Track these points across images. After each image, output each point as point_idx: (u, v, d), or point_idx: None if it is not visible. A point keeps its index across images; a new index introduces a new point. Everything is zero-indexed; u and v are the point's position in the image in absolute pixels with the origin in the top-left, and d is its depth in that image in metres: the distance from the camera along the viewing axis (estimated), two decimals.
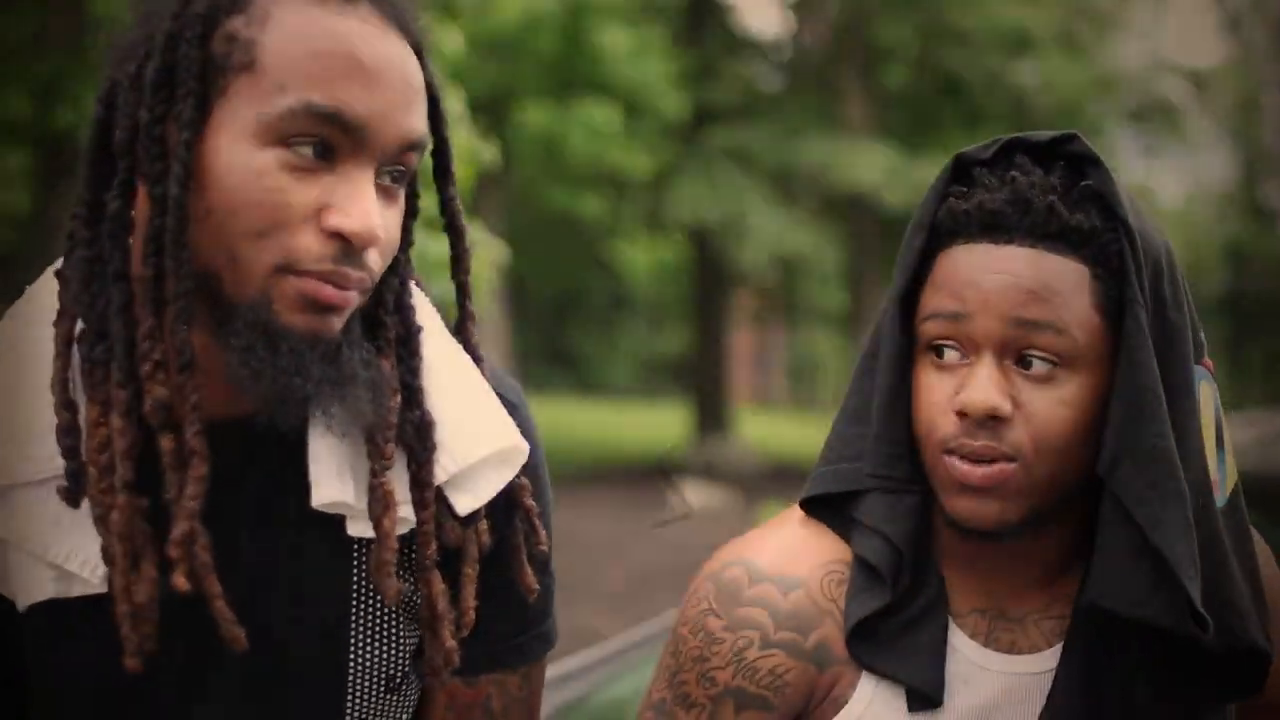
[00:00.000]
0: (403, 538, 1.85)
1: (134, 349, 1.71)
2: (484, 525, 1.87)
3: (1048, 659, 1.98)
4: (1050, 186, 1.88)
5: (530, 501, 1.91)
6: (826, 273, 22.49)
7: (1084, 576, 1.94)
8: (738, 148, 21.24)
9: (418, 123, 1.73)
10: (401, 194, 1.75)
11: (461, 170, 8.16)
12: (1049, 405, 1.85)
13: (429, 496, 1.81)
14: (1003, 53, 21.38)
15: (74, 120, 10.76)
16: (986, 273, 1.86)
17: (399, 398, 1.80)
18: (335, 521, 1.82)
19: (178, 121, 1.68)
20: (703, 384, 24.99)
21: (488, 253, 8.28)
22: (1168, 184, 32.20)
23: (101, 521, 1.71)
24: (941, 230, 1.92)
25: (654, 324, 38.78)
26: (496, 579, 1.91)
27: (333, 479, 1.78)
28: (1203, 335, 1.97)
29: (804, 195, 21.82)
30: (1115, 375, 1.87)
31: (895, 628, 1.95)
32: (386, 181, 1.72)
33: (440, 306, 1.96)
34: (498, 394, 1.92)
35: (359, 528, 1.81)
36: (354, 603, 1.87)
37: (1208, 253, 30.86)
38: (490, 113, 19.18)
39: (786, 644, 1.97)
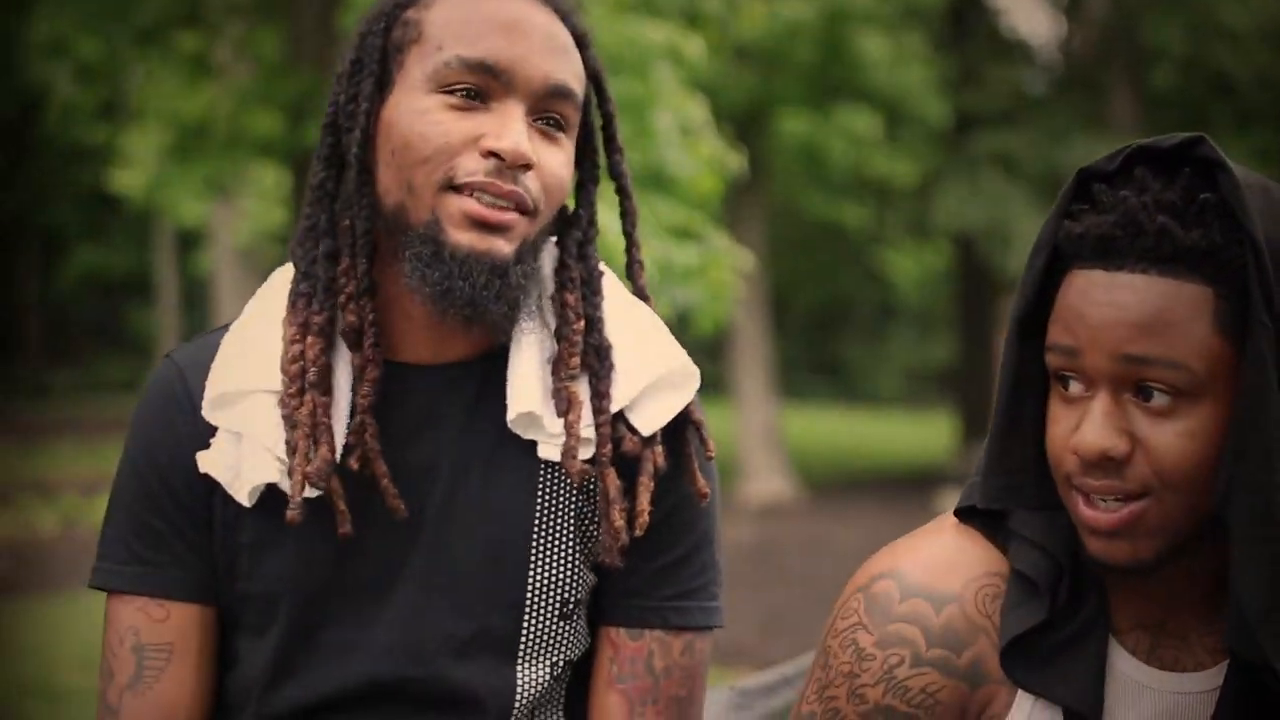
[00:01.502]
0: (587, 462, 2.10)
1: (334, 284, 2.09)
2: (660, 449, 2.12)
3: (1213, 677, 1.88)
4: (1166, 203, 1.75)
5: (700, 416, 2.16)
6: None
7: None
8: (1002, 152, 20.98)
9: (560, 71, 2.07)
10: (564, 140, 2.10)
11: (708, 180, 8.22)
12: (1171, 439, 1.75)
13: (607, 405, 2.10)
14: (1273, 49, 20.83)
15: None
16: (1095, 305, 1.76)
17: (582, 323, 2.13)
18: (527, 448, 2.11)
19: (362, 96, 2.08)
20: (969, 393, 24.74)
21: (734, 260, 8.27)
22: None
23: (288, 420, 2.06)
24: (1063, 252, 1.82)
25: (921, 332, 38.51)
26: (665, 535, 2.15)
27: (527, 395, 2.08)
28: None
29: None
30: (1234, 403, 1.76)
31: (1053, 645, 1.87)
32: (543, 125, 2.07)
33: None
34: None
35: (549, 450, 2.10)
36: (536, 524, 2.12)
37: None
38: (748, 122, 19.23)
39: (939, 662, 1.89)
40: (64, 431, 23.44)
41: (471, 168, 2.01)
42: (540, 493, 2.12)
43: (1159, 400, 1.75)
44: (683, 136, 8.01)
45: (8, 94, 25.55)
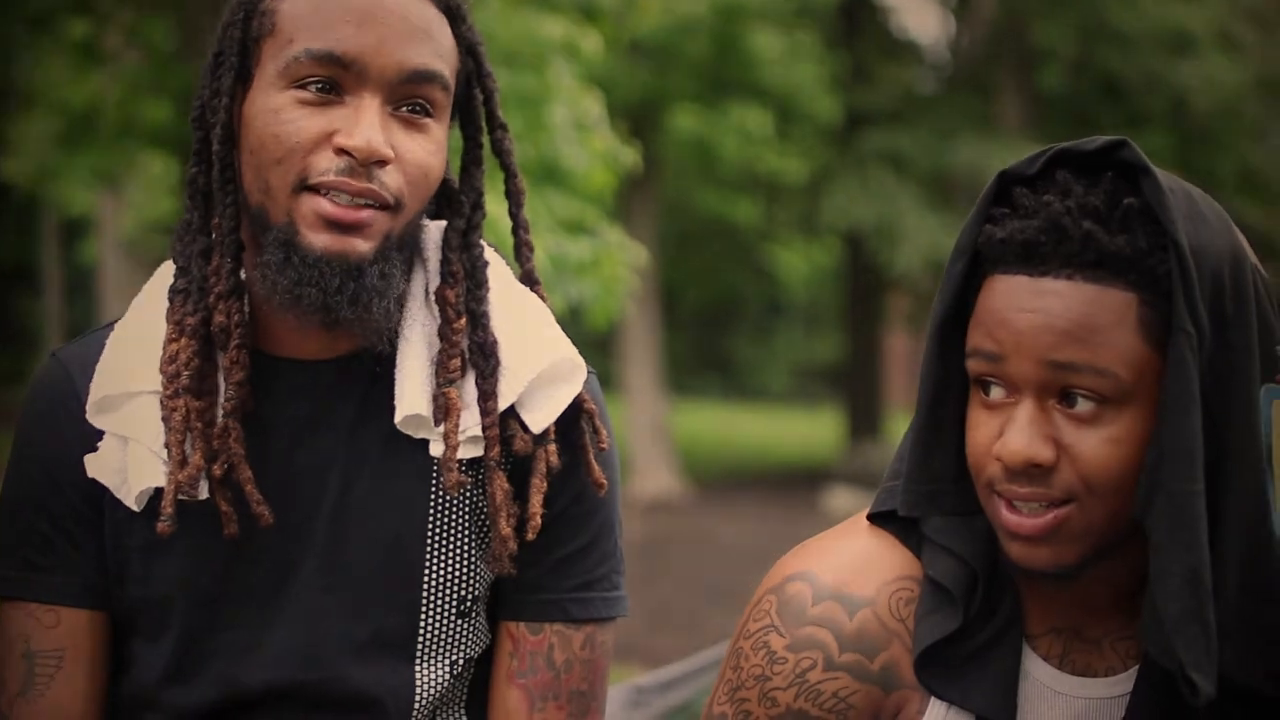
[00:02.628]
0: (476, 459, 2.08)
1: (206, 283, 2.05)
2: (553, 446, 2.09)
3: (1124, 682, 1.88)
4: (1091, 208, 1.74)
5: (592, 405, 2.13)
6: None
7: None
8: (891, 151, 21.07)
9: (418, 56, 1.99)
10: (431, 126, 2.02)
11: (602, 175, 8.20)
12: (1096, 445, 1.74)
13: (493, 406, 2.06)
14: (1162, 53, 21.03)
15: None
16: (1020, 311, 1.74)
17: (464, 320, 2.08)
18: (421, 444, 2.07)
19: (222, 90, 2.03)
20: (856, 389, 24.85)
21: (627, 256, 8.26)
22: None
23: (166, 421, 2.02)
24: (984, 257, 1.80)
25: (808, 329, 38.64)
26: (564, 529, 2.12)
27: (412, 397, 2.04)
28: None
29: (958, 198, 21.62)
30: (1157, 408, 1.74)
31: (966, 653, 1.86)
32: (406, 113, 2.00)
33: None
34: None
35: (440, 448, 2.06)
36: (430, 522, 2.09)
37: None
38: (641, 118, 19.22)
39: (852, 666, 1.88)
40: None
41: (323, 167, 1.96)
42: (434, 489, 2.09)
43: (1084, 407, 1.74)
44: (577, 131, 8.00)
45: None
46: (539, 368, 2.08)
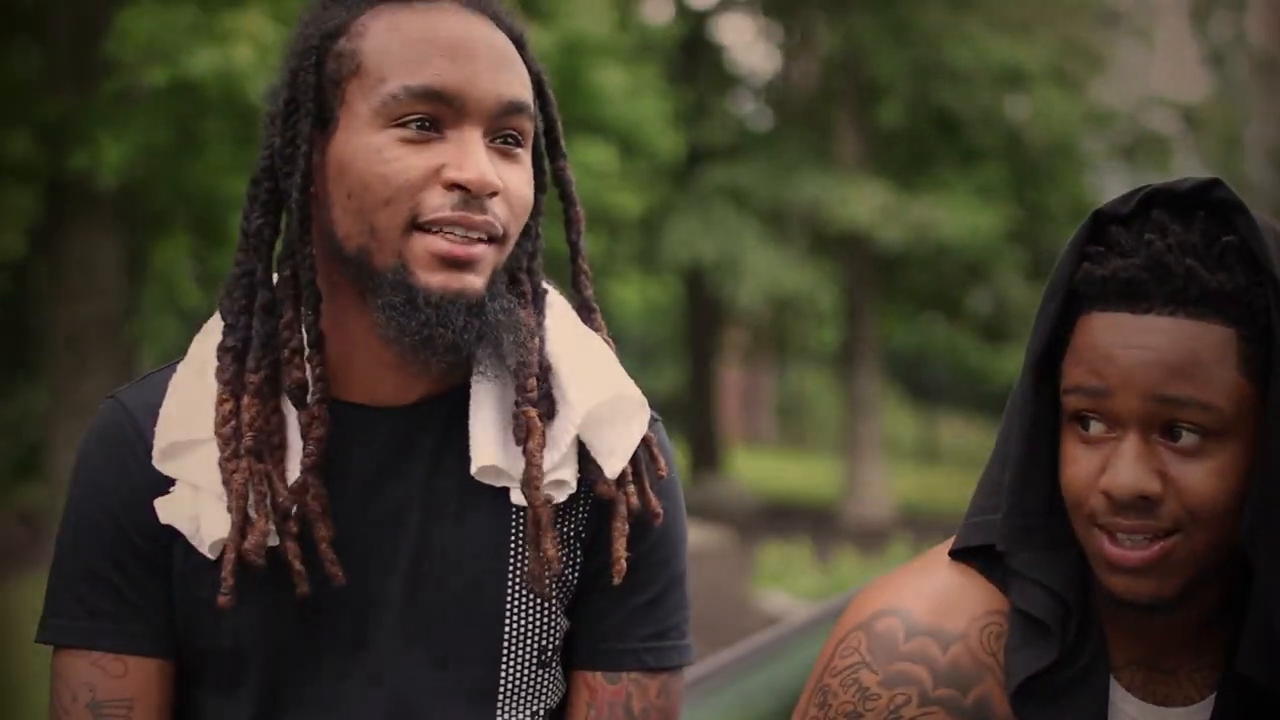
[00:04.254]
0: (559, 508, 2.04)
1: (273, 339, 2.00)
2: (632, 488, 2.05)
3: (1201, 711, 1.92)
4: (1190, 246, 1.79)
5: (651, 435, 2.08)
6: (821, 311, 22.42)
7: (1236, 634, 1.87)
8: (731, 186, 21.20)
9: (510, 87, 1.97)
10: (523, 157, 2.01)
11: None
12: (1201, 478, 1.78)
13: (533, 421, 2.00)
14: (996, 88, 21.37)
15: (88, 163, 10.67)
16: (1126, 348, 1.78)
17: (537, 341, 2.04)
18: (499, 494, 2.03)
19: (300, 138, 1.97)
20: (694, 423, 24.93)
21: None
22: None
23: (226, 485, 1.97)
24: (1079, 294, 1.84)
25: (642, 363, 38.71)
26: (639, 575, 2.08)
27: (490, 446, 2.00)
28: None
29: (798, 233, 21.79)
30: (1259, 441, 1.79)
31: (1059, 685, 1.88)
32: (501, 144, 1.97)
33: None
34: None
35: (520, 496, 2.01)
36: (510, 570, 2.05)
37: None
38: None
39: (946, 701, 1.90)
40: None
41: (437, 203, 1.92)
42: (514, 536, 2.06)
43: (1188, 440, 1.78)
44: None
45: None
46: (599, 398, 2.04)
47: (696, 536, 18.68)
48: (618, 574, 2.03)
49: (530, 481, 1.99)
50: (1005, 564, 1.93)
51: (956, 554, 1.97)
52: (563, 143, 2.14)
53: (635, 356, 38.70)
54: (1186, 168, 26.50)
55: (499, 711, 2.06)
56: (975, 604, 1.93)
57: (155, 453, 2.02)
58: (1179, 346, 1.77)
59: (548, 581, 2.02)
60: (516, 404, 2.01)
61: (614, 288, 28.57)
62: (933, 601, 1.93)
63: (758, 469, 28.06)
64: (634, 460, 2.07)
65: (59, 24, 10.75)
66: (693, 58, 23.33)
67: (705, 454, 24.46)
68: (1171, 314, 1.78)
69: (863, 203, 20.23)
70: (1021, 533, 1.90)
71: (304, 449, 1.99)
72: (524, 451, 2.00)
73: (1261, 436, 1.79)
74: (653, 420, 2.13)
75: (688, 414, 25.46)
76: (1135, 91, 23.89)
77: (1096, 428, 1.82)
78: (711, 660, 4.10)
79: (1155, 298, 1.79)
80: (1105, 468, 1.81)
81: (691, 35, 22.90)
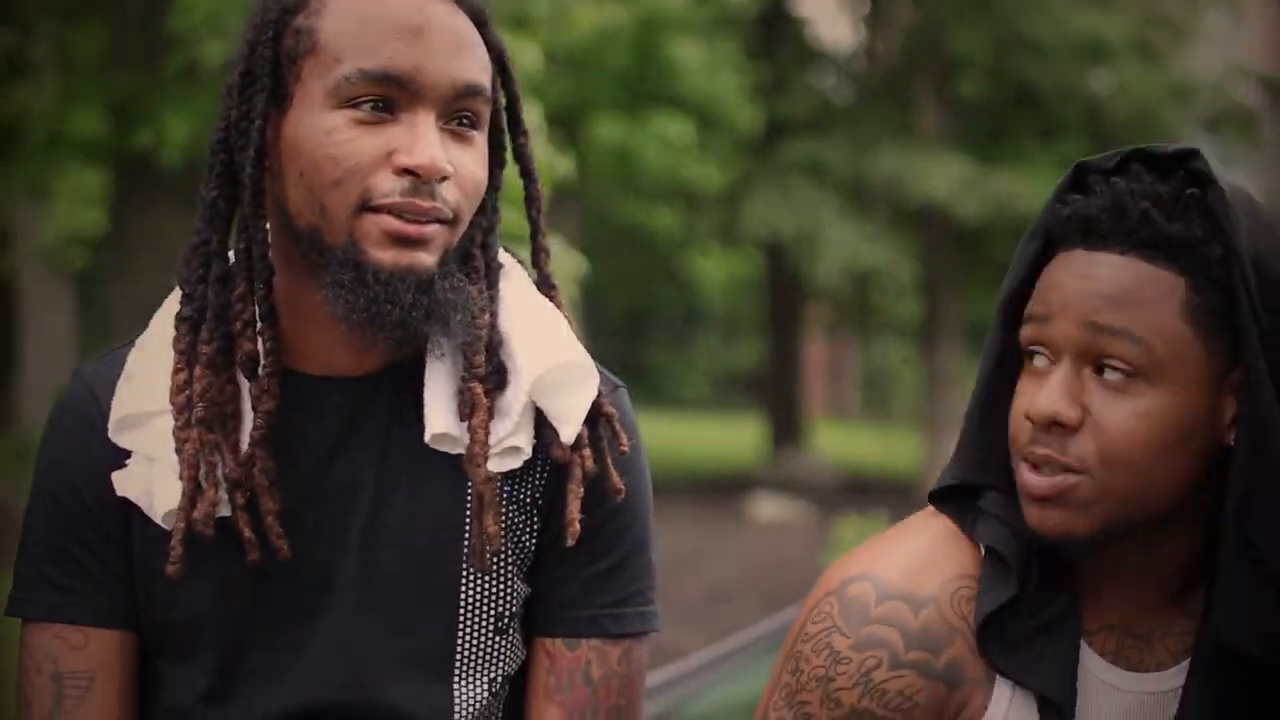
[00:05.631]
0: (516, 474, 2.07)
1: (227, 311, 2.02)
2: (587, 452, 2.06)
3: (1174, 676, 1.93)
4: (1154, 194, 1.82)
5: (611, 410, 2.09)
6: (900, 285, 22.31)
7: (1207, 601, 1.88)
8: (811, 160, 21.13)
9: (467, 70, 1.98)
10: (477, 138, 2.01)
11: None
12: (1121, 417, 1.81)
13: (478, 397, 2.02)
14: (1078, 61, 21.19)
15: (152, 140, 10.76)
16: (1071, 277, 1.83)
17: (487, 316, 2.05)
18: (455, 461, 2.04)
19: (254, 112, 1.98)
20: (776, 397, 24.91)
21: (566, 265, 8.27)
22: None
23: (178, 452, 2.00)
24: (1053, 237, 1.89)
25: (728, 337, 38.70)
26: (599, 543, 2.10)
27: (444, 414, 2.02)
28: None
29: (878, 207, 21.70)
30: (1237, 406, 1.82)
31: (1027, 630, 1.90)
32: (455, 126, 1.98)
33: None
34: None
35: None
36: (466, 538, 2.06)
37: None
38: (565, 126, 19.20)
39: (917, 664, 1.91)
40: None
41: (387, 188, 1.94)
42: (469, 504, 2.07)
43: (1113, 376, 1.81)
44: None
45: None
46: (547, 365, 2.05)
47: (776, 510, 18.70)
48: (571, 536, 2.04)
49: (472, 458, 2.01)
50: (977, 506, 1.96)
51: (935, 498, 2.00)
52: (524, 119, 2.14)
53: (718, 331, 38.74)
54: (1273, 141, 26.21)
55: (455, 678, 2.07)
56: (948, 568, 1.94)
57: (110, 424, 2.06)
58: (1121, 280, 1.81)
59: (490, 557, 2.04)
60: (463, 379, 2.03)
61: (696, 262, 28.63)
62: (904, 566, 1.94)
63: (840, 443, 28.01)
64: (592, 426, 2.09)
65: (123, 3, 10.84)
66: (772, 31, 23.25)
67: (786, 428, 24.43)
68: (1123, 253, 1.82)
69: (942, 176, 20.10)
70: (973, 464, 1.95)
71: (253, 422, 2.01)
72: (468, 428, 2.02)
73: (1239, 402, 1.82)
74: (616, 388, 2.16)
75: (769, 388, 25.45)
76: (1221, 63, 23.58)
77: (1041, 361, 1.86)
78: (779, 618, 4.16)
79: (1110, 236, 1.83)
80: None
81: (770, 8, 22.79)
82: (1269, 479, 1.82)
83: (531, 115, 8.39)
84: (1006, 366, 1.93)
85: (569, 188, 17.72)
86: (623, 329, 37.63)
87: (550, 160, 8.45)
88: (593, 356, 2.11)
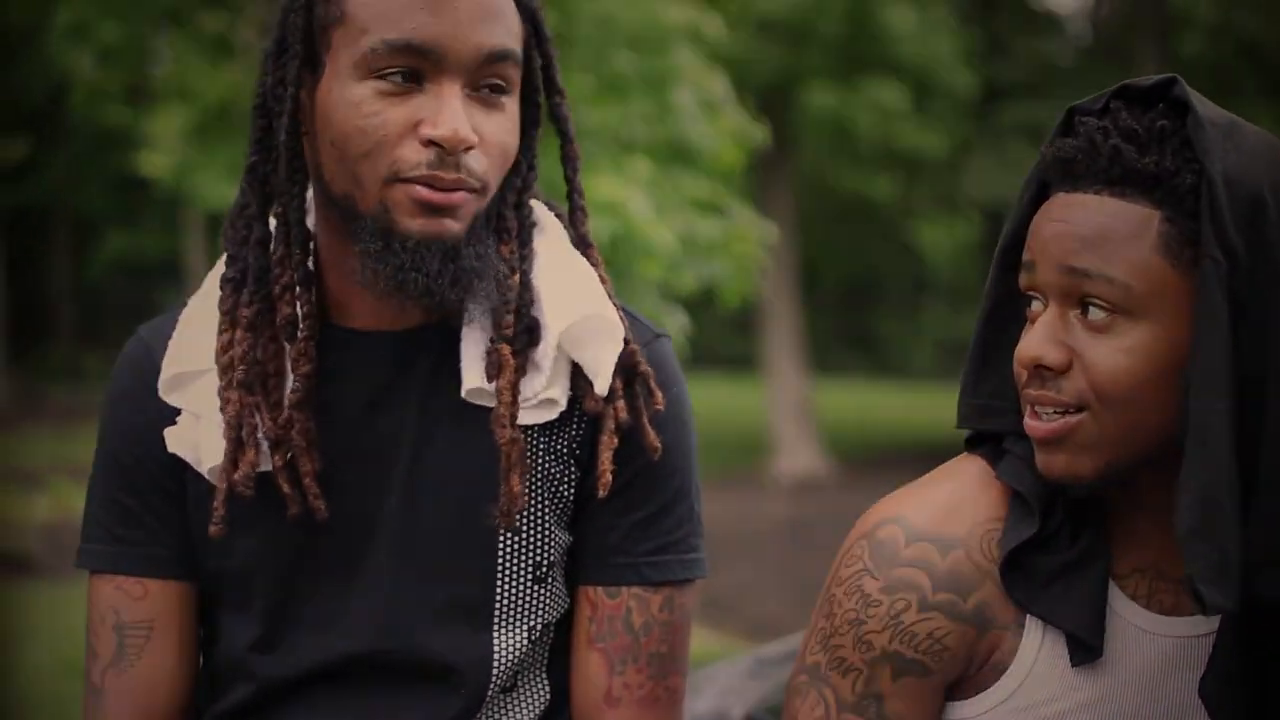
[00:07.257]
0: (553, 424, 2.11)
1: (266, 274, 2.07)
2: (621, 403, 2.09)
3: (1209, 621, 1.90)
4: (1127, 130, 1.81)
5: (646, 369, 2.11)
6: None
7: None
8: (1030, 123, 20.93)
9: (493, 37, 1.98)
10: (507, 103, 2.02)
11: (731, 153, 8.22)
12: (1107, 354, 1.80)
13: (505, 358, 2.05)
14: None
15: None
16: (1050, 221, 1.84)
17: (517, 277, 2.08)
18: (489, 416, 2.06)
19: (288, 80, 2.02)
20: None
21: (758, 234, 8.27)
22: None
23: (222, 411, 2.05)
24: (1046, 182, 1.89)
25: (953, 305, 38.40)
26: (638, 492, 2.13)
27: (480, 369, 2.06)
28: None
29: None
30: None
31: (1053, 569, 1.89)
32: (484, 94, 2.00)
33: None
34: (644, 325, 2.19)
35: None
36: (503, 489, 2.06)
37: None
38: (774, 96, 19.19)
39: (945, 606, 1.90)
40: (96, 415, 23.34)
41: (413, 160, 1.95)
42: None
43: (1096, 315, 1.81)
44: (705, 111, 8.01)
45: (37, 81, 25.64)
46: (571, 319, 2.08)
47: None
48: (603, 487, 2.06)
49: (498, 419, 2.04)
50: (1002, 448, 1.97)
51: (970, 443, 2.02)
52: (559, 79, 2.15)
53: (945, 299, 38.47)
54: None
55: (495, 627, 2.11)
56: (978, 511, 1.94)
57: (161, 384, 2.11)
58: (1093, 220, 1.80)
59: (517, 515, 2.07)
60: (491, 340, 2.07)
61: (921, 229, 28.48)
62: (934, 510, 1.95)
63: None
64: (628, 380, 2.11)
65: None
66: None
67: None
68: (1097, 192, 1.82)
69: None
70: (975, 410, 1.98)
71: (291, 384, 2.06)
72: (495, 389, 2.05)
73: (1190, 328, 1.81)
74: (656, 338, 2.20)
75: None
76: None
77: (1036, 306, 1.86)
78: None
79: (1085, 176, 1.83)
80: None
81: None
82: (1195, 396, 1.79)
83: (719, 86, 8.43)
84: (1008, 313, 1.94)
85: (775, 157, 17.79)
86: (847, 298, 37.53)
87: (744, 129, 8.49)
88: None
